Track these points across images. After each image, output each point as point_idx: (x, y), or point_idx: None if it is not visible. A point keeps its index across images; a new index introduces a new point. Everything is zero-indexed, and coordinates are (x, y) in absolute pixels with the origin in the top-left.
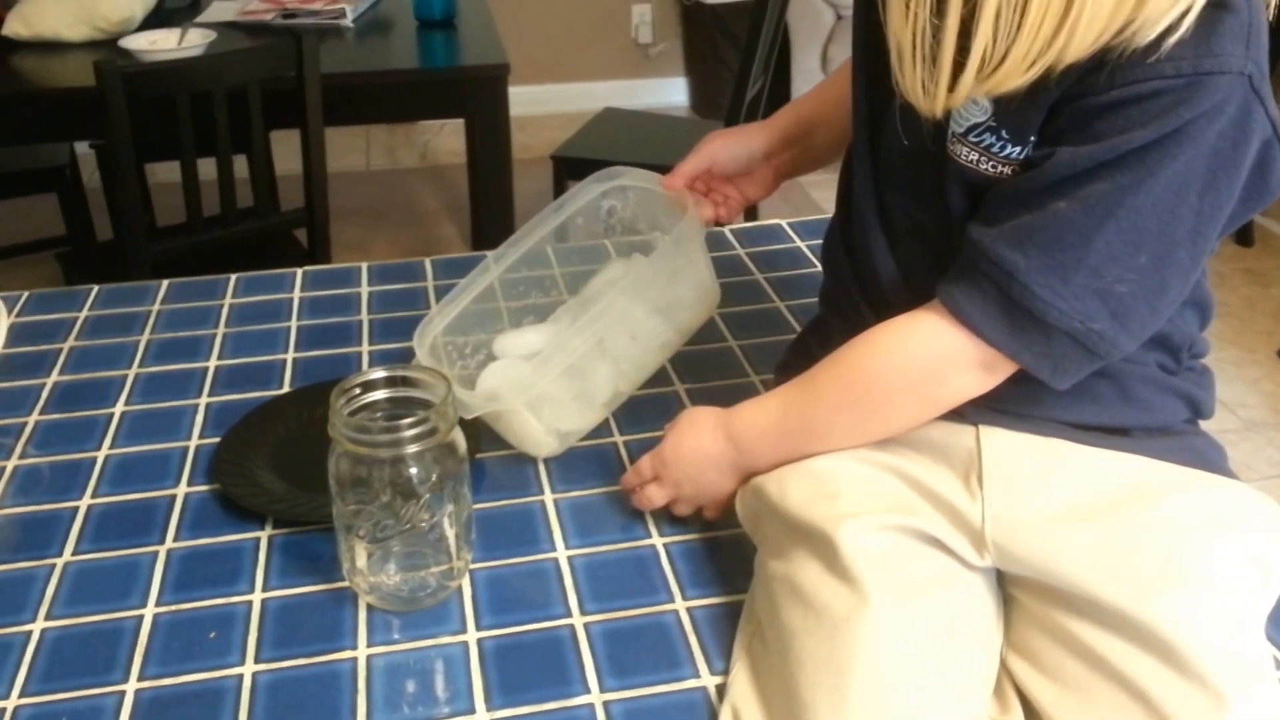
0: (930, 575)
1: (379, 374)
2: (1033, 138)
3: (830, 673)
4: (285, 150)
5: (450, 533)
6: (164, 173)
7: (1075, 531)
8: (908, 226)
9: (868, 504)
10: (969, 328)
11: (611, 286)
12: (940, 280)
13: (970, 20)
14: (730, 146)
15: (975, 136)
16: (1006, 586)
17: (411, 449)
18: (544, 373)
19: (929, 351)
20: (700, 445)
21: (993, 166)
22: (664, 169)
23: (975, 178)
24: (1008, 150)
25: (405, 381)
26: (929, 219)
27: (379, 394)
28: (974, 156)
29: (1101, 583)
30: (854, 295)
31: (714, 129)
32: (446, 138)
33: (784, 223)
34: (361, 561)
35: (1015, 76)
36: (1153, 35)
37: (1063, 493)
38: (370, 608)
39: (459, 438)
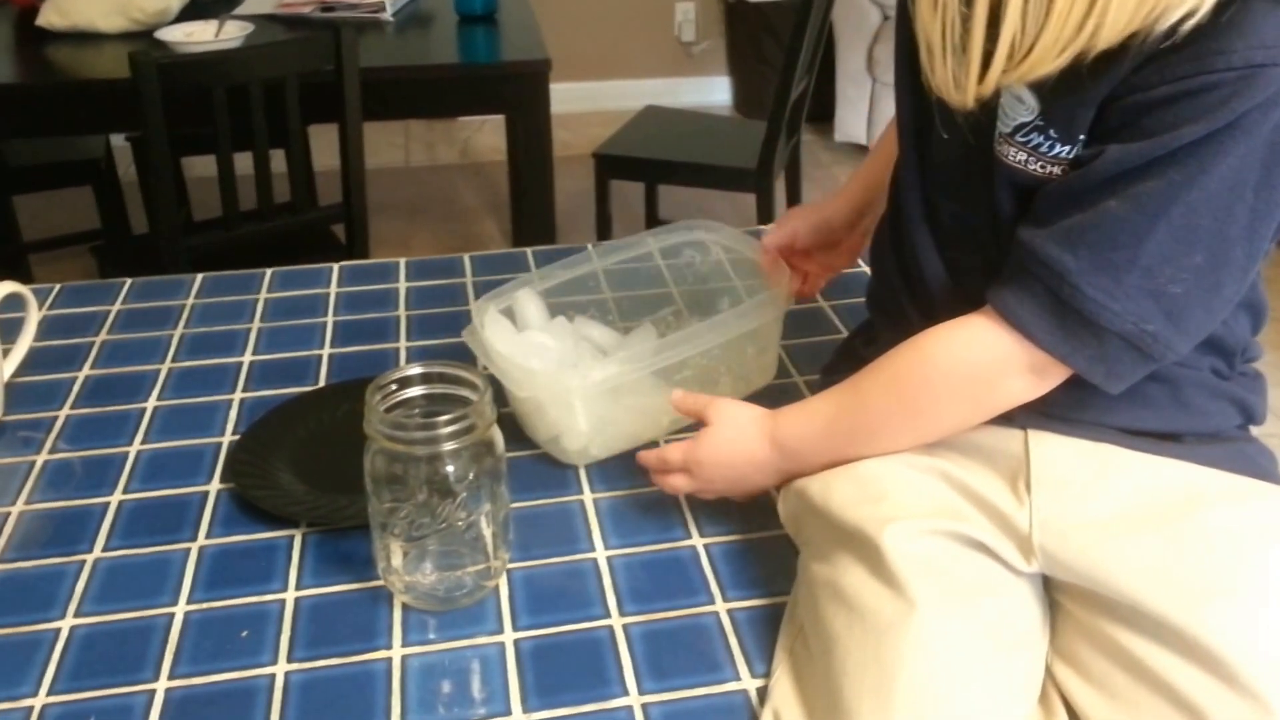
0: (976, 580)
1: (415, 370)
2: (1082, 136)
3: (875, 678)
4: (321, 145)
5: (487, 532)
6: (200, 167)
7: (1124, 540)
8: (956, 228)
9: (912, 508)
10: (1020, 330)
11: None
12: (989, 283)
13: (999, 8)
14: (810, 221)
15: (1023, 136)
16: (1052, 592)
17: (449, 447)
18: (602, 368)
19: (979, 355)
20: (743, 450)
21: (1041, 166)
22: (707, 169)
23: (1023, 178)
24: (1056, 150)
25: (442, 378)
26: (978, 221)
27: (415, 390)
28: (1022, 157)
29: (1150, 593)
30: (900, 297)
31: (757, 129)
32: (487, 134)
33: None
34: (397, 560)
35: (1045, 63)
36: (1174, 19)
37: (1112, 500)
38: (405, 607)
39: (497, 436)
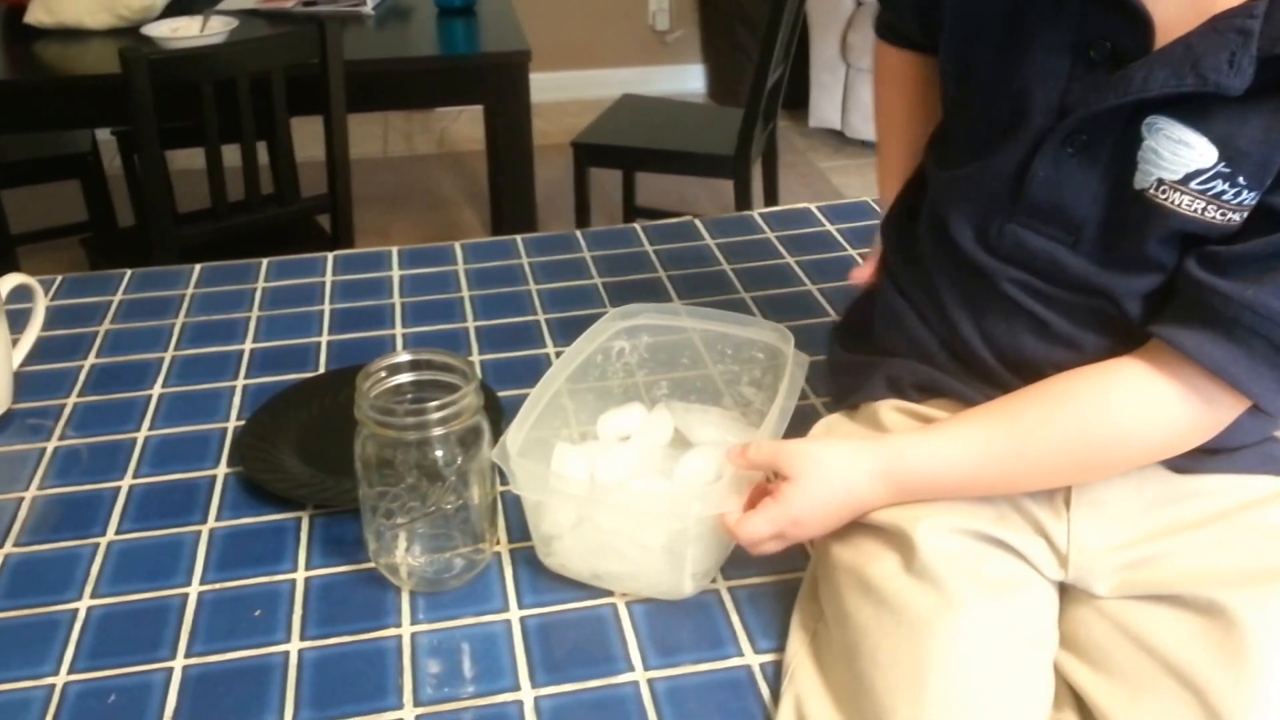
0: (1006, 579)
1: (404, 357)
2: (1268, 180)
3: (909, 676)
4: (301, 137)
5: (476, 514)
6: (182, 160)
7: (1160, 559)
8: (1053, 271)
9: (945, 505)
10: (1235, 387)
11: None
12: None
13: None
14: None
15: (1200, 184)
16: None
17: (437, 431)
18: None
19: (1175, 420)
20: (845, 497)
21: (1222, 214)
22: (685, 156)
23: (1195, 225)
24: (1243, 196)
25: (431, 365)
26: (1085, 265)
27: (405, 377)
28: (1199, 205)
29: (1180, 588)
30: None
31: (733, 116)
32: (463, 124)
33: (813, 206)
34: (387, 543)
35: None
36: None
37: (1150, 518)
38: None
39: (484, 421)
